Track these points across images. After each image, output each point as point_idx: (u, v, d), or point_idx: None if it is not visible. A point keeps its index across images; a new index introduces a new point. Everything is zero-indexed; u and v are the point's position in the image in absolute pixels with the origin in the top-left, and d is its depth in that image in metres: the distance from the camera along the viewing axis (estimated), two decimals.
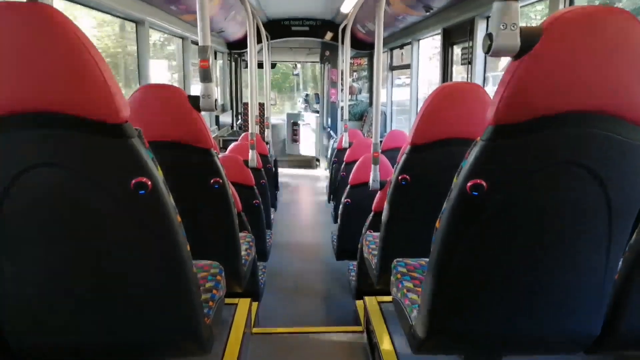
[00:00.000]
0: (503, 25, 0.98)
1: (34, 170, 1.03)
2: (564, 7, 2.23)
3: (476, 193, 1.07)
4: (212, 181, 1.88)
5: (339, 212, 3.49)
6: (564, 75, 1.00)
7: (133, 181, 1.04)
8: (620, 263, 1.22)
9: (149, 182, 1.05)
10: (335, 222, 4.30)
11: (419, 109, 1.92)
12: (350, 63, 7.78)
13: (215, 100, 1.78)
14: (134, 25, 3.76)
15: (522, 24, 0.99)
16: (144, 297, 1.19)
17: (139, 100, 1.76)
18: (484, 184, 1.07)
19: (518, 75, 1.01)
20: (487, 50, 1.01)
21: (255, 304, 2.72)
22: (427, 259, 1.25)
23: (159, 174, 1.09)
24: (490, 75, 4.13)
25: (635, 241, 1.21)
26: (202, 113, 1.83)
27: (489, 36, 1.00)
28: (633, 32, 1.00)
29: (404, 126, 6.79)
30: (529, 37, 0.99)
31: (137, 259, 1.14)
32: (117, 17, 3.57)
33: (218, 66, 7.71)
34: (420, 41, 5.53)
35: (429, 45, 5.59)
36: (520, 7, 1.02)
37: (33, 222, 1.09)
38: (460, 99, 1.85)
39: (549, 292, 1.22)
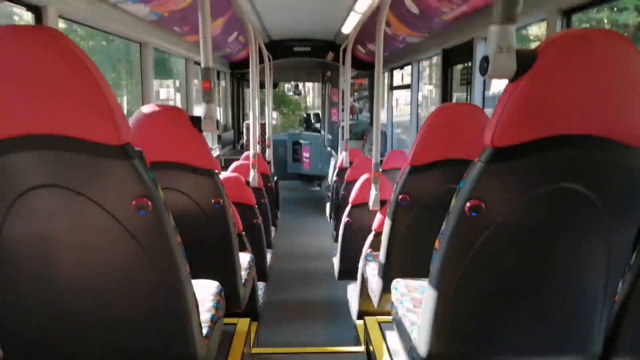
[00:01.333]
0: (499, 48, 1.00)
1: (36, 191, 1.04)
2: (562, 29, 2.26)
3: (475, 214, 1.08)
4: (213, 201, 1.89)
5: (340, 231, 3.49)
6: (559, 98, 1.02)
7: (134, 202, 1.05)
8: (620, 284, 1.22)
9: (150, 203, 1.06)
10: (336, 241, 4.29)
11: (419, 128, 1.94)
12: (351, 83, 7.85)
13: (217, 121, 1.80)
14: None
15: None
16: (142, 316, 1.19)
17: (141, 120, 1.78)
18: (483, 204, 1.07)
19: (514, 98, 1.02)
20: (484, 73, 1.03)
21: (255, 324, 2.70)
22: (427, 279, 1.25)
23: (159, 194, 1.10)
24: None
25: (635, 262, 1.21)
26: (204, 133, 1.85)
27: (485, 59, 1.02)
28: (627, 54, 1.02)
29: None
30: (525, 60, 1.00)
31: (137, 279, 1.14)
32: (121, 37, 3.62)
33: (221, 86, 7.78)
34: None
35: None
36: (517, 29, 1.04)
37: (34, 242, 1.09)
38: (460, 120, 1.87)
39: (549, 313, 1.21)
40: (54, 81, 0.99)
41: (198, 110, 1.68)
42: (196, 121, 1.78)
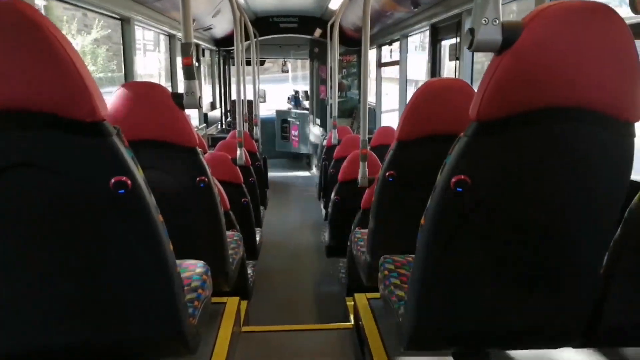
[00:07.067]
0: (485, 20, 0.98)
1: (12, 170, 1.01)
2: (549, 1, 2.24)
3: (460, 189, 1.07)
4: (197, 180, 1.86)
5: (329, 209, 3.49)
6: (545, 71, 1.00)
7: (112, 180, 1.02)
8: (605, 258, 1.23)
9: (129, 181, 1.03)
10: (326, 219, 4.30)
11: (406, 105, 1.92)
12: (340, 60, 7.76)
13: (199, 97, 1.76)
14: None
15: None
16: (125, 297, 1.17)
17: (122, 98, 1.74)
18: (468, 179, 1.06)
19: (500, 71, 1.00)
20: (470, 46, 1.01)
21: (244, 303, 2.70)
22: (414, 255, 1.25)
23: (139, 173, 1.07)
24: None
25: (618, 237, 1.22)
26: (190, 111, 1.82)
27: (470, 31, 0.99)
28: (613, 26, 1.00)
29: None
30: (511, 32, 0.98)
31: (118, 259, 1.12)
32: (102, 14, 3.53)
33: (206, 63, 7.65)
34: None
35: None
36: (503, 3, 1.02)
37: (11, 223, 1.07)
38: (447, 95, 1.85)
39: (534, 287, 1.22)
40: (25, 56, 0.94)
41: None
42: (178, 98, 1.74)
